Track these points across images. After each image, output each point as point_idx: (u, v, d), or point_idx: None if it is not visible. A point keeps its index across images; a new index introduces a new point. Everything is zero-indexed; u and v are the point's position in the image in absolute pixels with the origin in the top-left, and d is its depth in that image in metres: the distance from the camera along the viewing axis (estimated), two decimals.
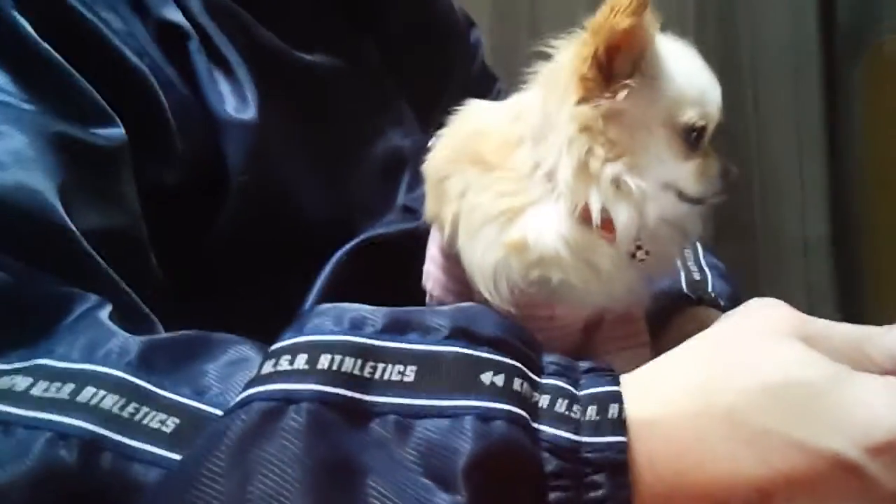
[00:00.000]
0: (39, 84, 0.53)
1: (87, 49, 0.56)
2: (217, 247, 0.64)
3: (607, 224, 0.55)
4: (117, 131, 0.55)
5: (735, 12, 2.01)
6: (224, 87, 0.65)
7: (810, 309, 0.45)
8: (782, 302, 0.44)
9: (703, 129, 0.56)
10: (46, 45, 0.54)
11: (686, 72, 0.56)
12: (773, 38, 2.00)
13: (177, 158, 0.61)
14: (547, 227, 0.55)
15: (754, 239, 2.07)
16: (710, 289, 0.81)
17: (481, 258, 0.56)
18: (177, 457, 0.37)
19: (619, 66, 0.53)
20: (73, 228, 0.49)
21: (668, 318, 0.75)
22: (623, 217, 0.54)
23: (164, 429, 0.38)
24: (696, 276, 0.83)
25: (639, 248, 0.57)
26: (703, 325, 0.46)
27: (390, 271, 0.66)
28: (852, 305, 1.98)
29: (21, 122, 0.51)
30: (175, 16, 0.64)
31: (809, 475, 0.37)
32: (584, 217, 0.55)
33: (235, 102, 0.65)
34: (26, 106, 0.52)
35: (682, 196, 0.57)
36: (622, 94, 0.53)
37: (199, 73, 0.64)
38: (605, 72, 0.53)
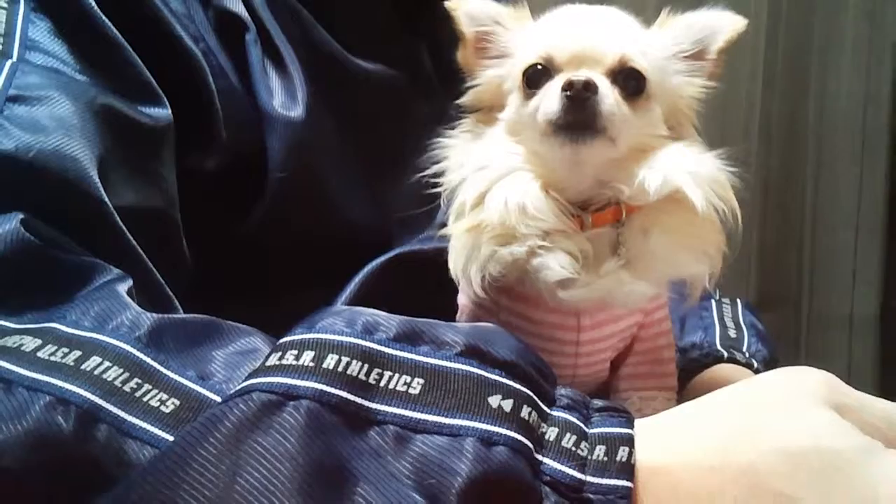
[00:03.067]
0: (94, 56, 0.54)
1: (144, 27, 0.57)
2: (248, 242, 0.64)
3: (576, 218, 0.57)
4: (164, 112, 0.56)
5: (806, 80, 1.99)
6: (275, 82, 0.66)
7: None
8: (817, 369, 0.42)
9: (537, 66, 0.57)
10: (105, 20, 0.55)
11: (535, 31, 0.60)
12: (840, 114, 1.98)
13: (220, 146, 0.61)
14: (498, 201, 0.57)
15: (799, 311, 2.03)
16: (744, 348, 0.78)
17: (452, 245, 0.59)
18: (171, 438, 0.36)
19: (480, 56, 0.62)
20: (107, 201, 0.49)
21: (697, 373, 0.73)
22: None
23: (163, 408, 0.38)
24: (732, 334, 0.80)
25: (619, 243, 0.57)
26: (730, 384, 0.44)
27: (422, 288, 0.65)
28: (893, 387, 1.92)
29: (70, 90, 0.52)
30: (236, 6, 0.65)
31: None
32: (547, 189, 0.57)
33: (284, 99, 0.65)
34: (79, 76, 0.53)
35: (543, 130, 0.56)
36: (485, 75, 0.62)
37: (252, 65, 0.65)
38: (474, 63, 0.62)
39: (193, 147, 0.59)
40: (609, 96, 0.54)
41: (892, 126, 1.97)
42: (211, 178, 0.61)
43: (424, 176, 0.63)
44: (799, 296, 2.03)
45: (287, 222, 0.65)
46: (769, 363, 0.78)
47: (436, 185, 0.62)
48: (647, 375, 0.63)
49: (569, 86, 0.53)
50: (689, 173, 0.56)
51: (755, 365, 0.76)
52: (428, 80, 0.80)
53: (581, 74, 0.54)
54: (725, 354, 0.76)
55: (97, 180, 0.49)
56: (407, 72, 0.77)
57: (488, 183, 0.58)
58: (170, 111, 0.56)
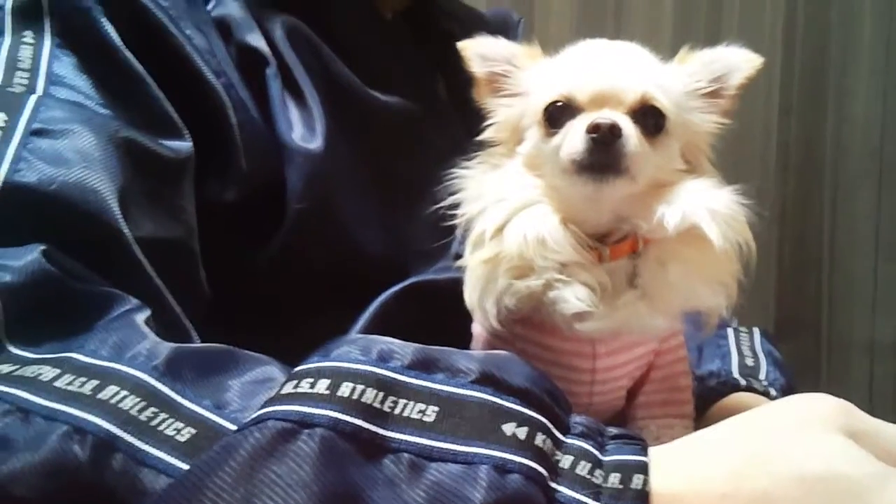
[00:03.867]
0: (117, 91, 0.55)
1: (167, 62, 0.59)
2: (265, 272, 0.65)
3: (593, 250, 0.57)
4: (185, 145, 0.57)
5: (823, 106, 1.99)
6: (294, 114, 0.67)
7: (871, 414, 0.42)
8: (831, 396, 0.42)
9: (557, 104, 0.57)
10: (129, 55, 0.56)
11: (555, 68, 0.60)
12: (859, 136, 1.97)
13: (239, 177, 0.62)
14: (517, 233, 0.57)
15: (819, 339, 2.01)
16: (762, 376, 0.78)
17: (468, 276, 0.59)
18: (187, 467, 0.37)
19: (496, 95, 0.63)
20: (127, 233, 0.50)
21: (714, 401, 0.72)
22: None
23: (178, 437, 0.38)
24: (750, 362, 0.80)
25: (635, 275, 0.57)
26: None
27: (436, 318, 0.65)
28: None
29: (93, 124, 0.53)
30: (257, 41, 0.66)
31: None
32: (566, 223, 0.57)
33: (303, 131, 0.66)
34: (101, 110, 0.54)
35: (565, 168, 0.56)
36: (502, 113, 0.62)
37: (272, 98, 0.66)
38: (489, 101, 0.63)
39: (213, 178, 0.60)
40: (633, 137, 0.54)
41: None
42: (230, 210, 0.62)
43: (441, 207, 0.63)
44: (818, 322, 2.01)
45: (304, 253, 0.65)
46: (787, 391, 0.77)
47: (452, 216, 0.63)
48: (663, 403, 0.63)
49: (595, 129, 0.54)
50: (706, 210, 0.56)
51: (773, 393, 0.76)
52: (445, 111, 0.81)
53: (606, 117, 0.54)
54: (743, 382, 0.75)
55: (118, 212, 0.50)
56: (424, 104, 0.78)
57: (507, 215, 0.58)
58: (191, 144, 0.57)
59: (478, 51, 0.63)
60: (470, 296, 0.60)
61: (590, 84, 0.56)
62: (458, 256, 0.73)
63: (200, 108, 0.60)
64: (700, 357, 0.81)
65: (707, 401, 0.73)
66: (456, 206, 0.62)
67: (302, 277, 0.66)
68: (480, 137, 0.64)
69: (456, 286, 0.62)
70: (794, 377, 0.83)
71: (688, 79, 0.60)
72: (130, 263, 0.51)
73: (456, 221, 0.62)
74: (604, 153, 0.54)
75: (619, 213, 0.57)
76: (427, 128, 0.78)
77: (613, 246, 0.58)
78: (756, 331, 0.87)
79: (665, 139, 0.57)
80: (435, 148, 0.77)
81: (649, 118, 0.56)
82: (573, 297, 0.55)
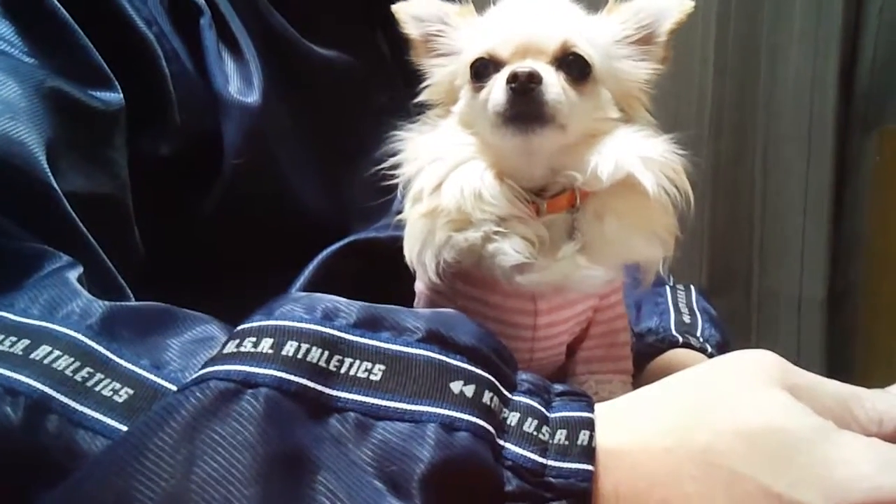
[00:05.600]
0: (43, 39, 0.52)
1: (95, 10, 0.56)
2: (202, 229, 0.63)
3: (531, 204, 0.58)
4: (115, 96, 0.55)
5: (756, 67, 2.03)
6: (230, 67, 0.64)
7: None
8: (770, 352, 0.43)
9: (482, 59, 0.58)
10: (55, 2, 0.53)
11: (479, 26, 0.61)
12: (790, 100, 2.01)
13: (173, 131, 0.60)
14: (454, 188, 0.57)
15: (749, 294, 2.08)
16: (698, 333, 0.80)
17: (407, 231, 0.60)
18: (125, 428, 0.36)
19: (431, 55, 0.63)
20: (56, 186, 0.48)
21: (652, 357, 0.74)
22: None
23: (115, 398, 0.37)
24: (687, 319, 0.82)
25: (574, 228, 0.58)
26: (685, 368, 0.44)
27: (377, 276, 0.64)
28: (841, 370, 1.98)
29: (18, 72, 0.50)
30: None
31: None
32: (501, 177, 0.57)
33: (240, 84, 0.64)
34: (26, 59, 0.51)
35: (493, 122, 0.56)
36: (437, 73, 0.63)
37: (206, 50, 0.63)
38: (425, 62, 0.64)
39: (146, 132, 0.58)
40: (554, 85, 0.54)
41: (838, 112, 2.01)
42: (165, 164, 0.60)
43: (382, 167, 0.62)
44: (749, 278, 2.08)
45: (242, 209, 0.63)
46: (722, 347, 0.79)
47: (392, 175, 0.62)
48: (602, 359, 0.64)
49: (513, 78, 0.54)
50: (640, 158, 0.56)
51: (709, 349, 0.78)
52: (386, 68, 0.79)
53: (524, 66, 0.54)
54: (680, 339, 0.77)
55: (45, 165, 0.48)
56: (365, 60, 0.76)
57: (444, 172, 0.58)
58: (121, 95, 0.55)
59: (411, 12, 0.63)
60: (410, 250, 0.60)
61: (511, 37, 0.57)
62: (399, 214, 0.73)
63: (131, 59, 0.57)
64: (638, 314, 0.83)
65: (645, 357, 0.74)
66: (396, 166, 0.61)
67: (240, 235, 0.64)
68: (419, 99, 0.64)
69: (397, 244, 0.62)
70: (730, 332, 0.86)
71: (617, 27, 0.60)
72: (60, 219, 0.48)
73: (396, 181, 0.62)
74: (525, 103, 0.54)
75: (553, 166, 0.58)
76: (368, 84, 0.76)
77: (551, 200, 0.58)
78: (692, 288, 0.89)
79: (593, 87, 0.58)
80: (376, 105, 0.76)
81: (573, 66, 0.57)
82: (511, 250, 0.55)
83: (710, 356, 0.76)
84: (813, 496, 0.35)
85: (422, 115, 0.64)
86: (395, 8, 0.63)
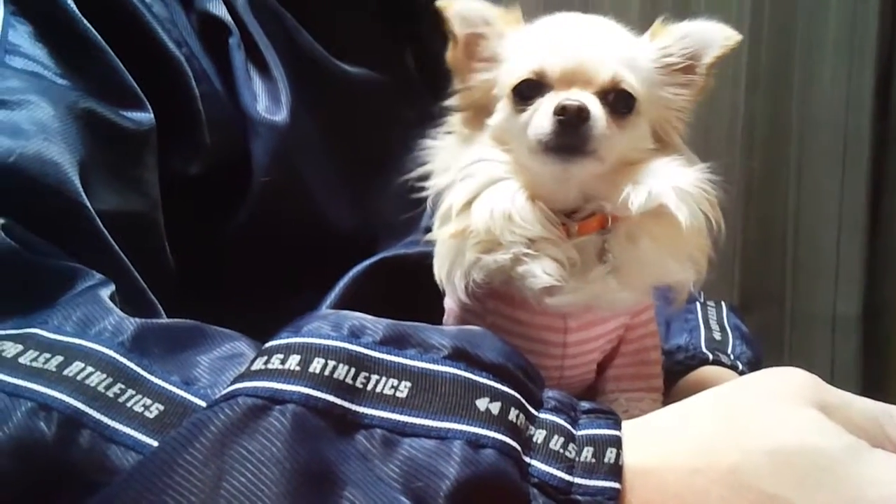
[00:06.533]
0: (75, 61, 0.53)
1: (126, 31, 0.57)
2: (232, 248, 0.64)
3: (562, 226, 0.57)
4: (146, 116, 0.56)
5: (790, 83, 2.01)
6: (259, 86, 0.65)
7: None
8: (801, 370, 0.42)
9: (528, 80, 0.56)
10: (87, 24, 0.54)
11: (525, 43, 0.59)
12: (825, 113, 1.99)
13: (203, 150, 0.60)
14: (484, 208, 0.57)
15: (783, 310, 2.05)
16: (729, 350, 0.79)
17: (437, 251, 0.59)
18: (156, 444, 0.36)
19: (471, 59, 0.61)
20: (88, 205, 0.49)
21: (682, 375, 0.73)
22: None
23: (147, 414, 0.37)
24: (717, 336, 0.81)
25: (605, 250, 0.57)
26: (715, 386, 0.44)
27: (406, 293, 0.64)
28: (876, 387, 1.94)
29: (51, 94, 0.51)
30: (219, 10, 0.65)
31: None
32: (533, 199, 0.57)
33: (268, 103, 0.65)
34: (59, 80, 0.53)
35: (532, 147, 0.56)
36: (475, 78, 0.61)
37: (235, 69, 0.64)
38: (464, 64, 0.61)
39: (176, 151, 0.59)
40: (601, 120, 0.54)
41: (874, 128, 1.99)
42: (194, 183, 0.61)
43: (409, 179, 0.62)
44: (782, 296, 2.05)
45: (271, 227, 0.64)
46: (753, 365, 0.78)
47: (421, 189, 0.62)
48: (633, 377, 0.63)
49: (562, 110, 0.53)
50: (673, 188, 0.56)
51: (740, 367, 0.77)
52: (413, 84, 0.80)
53: (574, 98, 0.53)
54: (710, 357, 0.76)
55: (78, 184, 0.49)
56: (391, 76, 0.77)
57: (475, 190, 0.58)
58: (152, 115, 0.56)
59: (457, 9, 0.61)
60: (439, 270, 0.60)
61: (560, 61, 0.56)
62: (429, 230, 0.73)
63: (161, 79, 0.58)
64: (668, 331, 0.82)
65: (675, 375, 0.73)
66: (425, 177, 0.61)
67: (269, 253, 0.65)
68: (448, 102, 0.63)
69: (426, 260, 0.62)
70: (761, 349, 0.84)
71: (659, 53, 0.59)
72: (93, 237, 0.49)
73: (424, 194, 0.62)
74: (570, 135, 0.53)
75: (586, 192, 0.57)
76: (395, 100, 0.77)
77: (582, 222, 0.57)
78: (723, 305, 0.88)
79: (634, 119, 0.57)
80: (403, 121, 0.76)
81: (619, 100, 0.56)
82: (541, 272, 0.55)
83: (741, 374, 0.75)
84: None
85: (449, 122, 0.63)
86: (441, 3, 0.61)
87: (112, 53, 0.55)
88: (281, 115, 0.65)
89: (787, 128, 2.01)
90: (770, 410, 0.38)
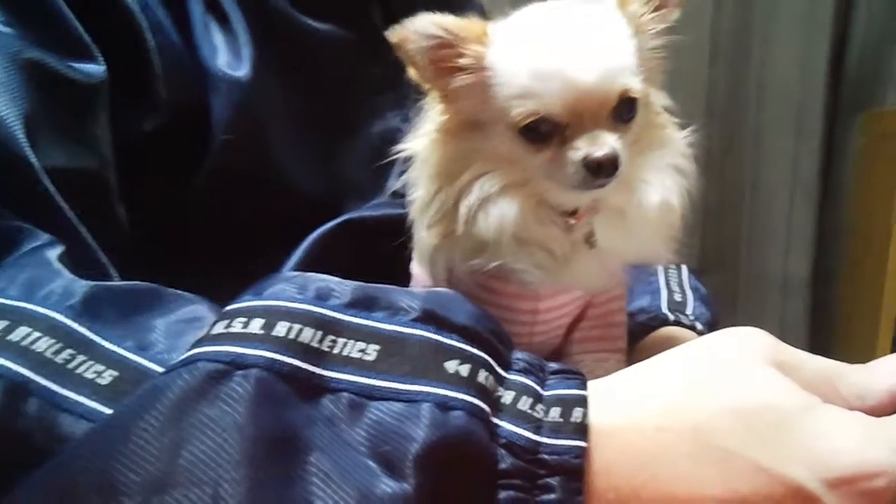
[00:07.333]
0: (20, 8, 0.51)
1: None
2: (190, 208, 0.61)
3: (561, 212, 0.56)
4: (97, 68, 0.53)
5: (748, 53, 2.03)
6: (218, 39, 0.63)
7: None
8: (760, 329, 0.43)
9: (541, 120, 0.52)
10: None
11: (520, 66, 0.52)
12: (782, 82, 2.02)
13: (158, 105, 0.58)
14: (492, 220, 0.54)
15: (737, 272, 2.10)
16: (689, 311, 0.80)
17: (422, 250, 0.58)
18: (109, 411, 0.35)
19: (446, 78, 0.54)
20: (35, 162, 0.47)
21: (644, 335, 0.74)
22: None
23: (99, 380, 0.36)
24: (678, 297, 0.81)
25: (591, 234, 0.57)
26: (677, 346, 0.44)
27: (371, 255, 0.63)
28: (822, 347, 2.01)
29: None
30: None
31: (766, 500, 0.35)
32: (537, 208, 0.55)
33: (229, 57, 0.63)
34: (3, 28, 0.50)
35: (559, 187, 0.54)
36: (458, 102, 0.54)
37: (193, 21, 0.61)
38: (437, 84, 0.54)
39: (130, 106, 0.56)
40: (622, 149, 0.52)
41: (828, 97, 2.02)
42: (150, 140, 0.58)
43: (375, 140, 0.61)
44: (737, 259, 2.10)
45: (231, 186, 0.62)
46: (711, 325, 0.79)
47: (387, 151, 0.60)
48: (598, 339, 0.64)
49: (597, 167, 0.51)
50: (675, 183, 0.57)
51: (699, 327, 0.78)
52: (380, 43, 0.77)
53: (605, 149, 0.51)
54: (671, 318, 0.77)
55: (23, 139, 0.46)
56: (358, 33, 0.74)
57: (473, 203, 0.55)
58: (104, 67, 0.53)
59: (416, 29, 0.53)
60: (420, 262, 0.59)
61: (567, 98, 0.51)
62: (395, 193, 0.72)
63: (114, 30, 0.55)
64: (630, 293, 0.83)
65: (637, 335, 0.74)
66: (392, 140, 0.59)
67: (230, 213, 0.63)
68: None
69: (392, 223, 0.61)
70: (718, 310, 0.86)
71: (634, 23, 0.55)
72: (40, 195, 0.47)
73: (391, 159, 0.60)
74: (601, 178, 0.52)
75: (596, 197, 0.56)
76: (361, 58, 0.74)
77: (579, 214, 0.57)
78: (684, 267, 0.89)
79: (636, 115, 0.55)
80: (369, 80, 0.75)
81: (624, 108, 0.53)
82: (535, 269, 0.55)
83: (700, 334, 0.76)
84: (800, 471, 0.35)
85: (427, 105, 0.58)
86: (391, 35, 0.54)
87: (61, 1, 0.52)
88: (242, 71, 0.63)
89: (745, 96, 2.04)
90: (732, 370, 0.39)
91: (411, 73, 0.55)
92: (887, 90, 2.00)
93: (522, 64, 0.52)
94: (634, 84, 0.53)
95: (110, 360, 0.37)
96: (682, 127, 0.60)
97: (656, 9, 0.56)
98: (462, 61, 0.53)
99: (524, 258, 0.55)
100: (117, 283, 0.44)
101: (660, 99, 0.59)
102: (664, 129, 0.59)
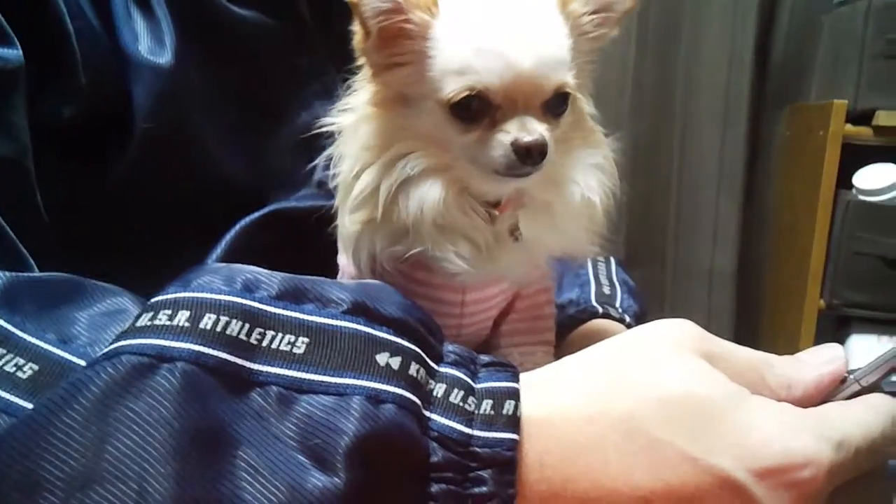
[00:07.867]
0: None
1: None
2: (113, 197, 0.60)
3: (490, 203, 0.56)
4: (14, 52, 0.51)
5: (677, 44, 2.07)
6: (140, 24, 0.61)
7: None
8: (688, 321, 0.44)
9: (471, 98, 0.52)
10: None
11: (463, 40, 0.53)
12: (709, 73, 2.07)
13: (78, 92, 0.56)
14: (413, 204, 0.54)
15: (664, 265, 2.14)
16: (618, 304, 0.81)
17: (344, 236, 0.58)
18: (30, 406, 0.33)
19: (389, 46, 0.53)
20: None
21: (573, 328, 0.75)
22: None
23: (19, 374, 0.35)
24: (606, 290, 0.83)
25: (515, 227, 0.57)
26: (606, 338, 0.45)
27: (298, 246, 0.63)
28: (748, 338, 2.07)
29: None
30: None
31: (695, 491, 0.36)
32: (462, 193, 0.55)
33: (150, 44, 0.61)
34: None
35: (484, 169, 0.54)
36: (393, 73, 0.54)
37: (113, 5, 0.59)
38: (378, 53, 0.54)
39: (48, 93, 0.54)
40: (551, 139, 0.52)
41: (753, 90, 2.08)
42: (69, 128, 0.56)
43: (301, 131, 0.60)
44: (664, 251, 2.14)
45: (154, 176, 0.60)
46: (639, 318, 0.81)
47: (314, 143, 0.59)
48: (526, 331, 0.64)
49: (526, 152, 0.51)
50: (597, 182, 0.57)
51: (627, 319, 0.79)
52: (306, 32, 0.76)
53: (534, 136, 0.51)
54: (600, 310, 0.78)
55: None
56: (284, 22, 0.73)
57: (398, 184, 0.54)
58: (20, 52, 0.51)
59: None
60: (345, 249, 0.58)
61: (503, 80, 0.51)
62: (321, 184, 0.71)
63: (31, 13, 0.53)
64: (559, 286, 0.84)
65: (567, 328, 0.75)
66: (318, 133, 0.59)
67: (153, 202, 0.61)
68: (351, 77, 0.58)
69: (318, 214, 0.60)
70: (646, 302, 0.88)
71: (573, 25, 0.56)
72: None
73: (318, 152, 0.59)
74: (527, 164, 0.52)
75: (519, 189, 0.57)
76: (287, 47, 0.73)
77: (502, 206, 0.57)
78: (612, 260, 0.90)
79: (567, 111, 0.56)
80: (296, 69, 0.73)
81: (557, 102, 0.54)
82: (457, 259, 0.55)
83: (629, 326, 0.77)
84: (727, 461, 0.36)
85: (353, 91, 0.58)
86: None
87: None
88: (165, 57, 0.61)
89: (673, 87, 2.08)
90: (660, 361, 0.40)
91: (356, 40, 0.55)
92: (811, 84, 2.06)
93: (466, 39, 0.52)
94: (570, 80, 0.54)
95: (30, 353, 0.36)
96: (607, 134, 0.61)
97: (594, 13, 0.57)
98: (408, 26, 0.53)
99: (445, 247, 0.55)
100: (37, 274, 0.43)
101: (586, 105, 0.60)
102: (591, 131, 0.60)
